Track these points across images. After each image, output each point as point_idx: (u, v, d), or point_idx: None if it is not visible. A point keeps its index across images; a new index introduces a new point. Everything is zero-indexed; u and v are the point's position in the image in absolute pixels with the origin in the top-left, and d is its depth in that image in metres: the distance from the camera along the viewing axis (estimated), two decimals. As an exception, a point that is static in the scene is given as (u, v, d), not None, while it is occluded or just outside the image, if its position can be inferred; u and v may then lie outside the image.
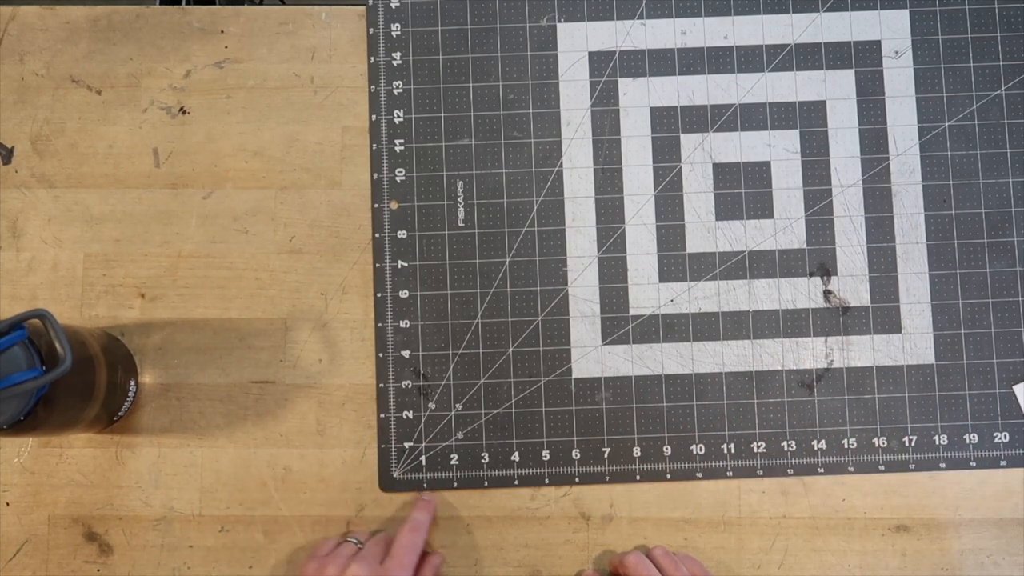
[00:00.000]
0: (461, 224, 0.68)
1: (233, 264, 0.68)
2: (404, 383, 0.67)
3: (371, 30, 0.69)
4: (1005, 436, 0.66)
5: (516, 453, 0.66)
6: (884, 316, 0.67)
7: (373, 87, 0.69)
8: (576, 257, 0.68)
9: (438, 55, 0.69)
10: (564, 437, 0.66)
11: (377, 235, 0.68)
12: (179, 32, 0.69)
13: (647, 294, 0.67)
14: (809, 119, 0.68)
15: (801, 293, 0.67)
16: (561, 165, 0.68)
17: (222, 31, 0.69)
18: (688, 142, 0.68)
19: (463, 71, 0.69)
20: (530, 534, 0.65)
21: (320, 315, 0.67)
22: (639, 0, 0.69)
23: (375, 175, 0.68)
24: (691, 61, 0.69)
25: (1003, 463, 0.66)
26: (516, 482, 0.66)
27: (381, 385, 0.66)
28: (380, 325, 0.67)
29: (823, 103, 0.68)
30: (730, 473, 0.66)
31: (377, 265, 0.67)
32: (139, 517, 0.66)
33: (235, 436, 0.66)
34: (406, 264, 0.67)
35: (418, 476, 0.66)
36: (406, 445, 0.66)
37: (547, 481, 0.66)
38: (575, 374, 0.67)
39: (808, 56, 0.69)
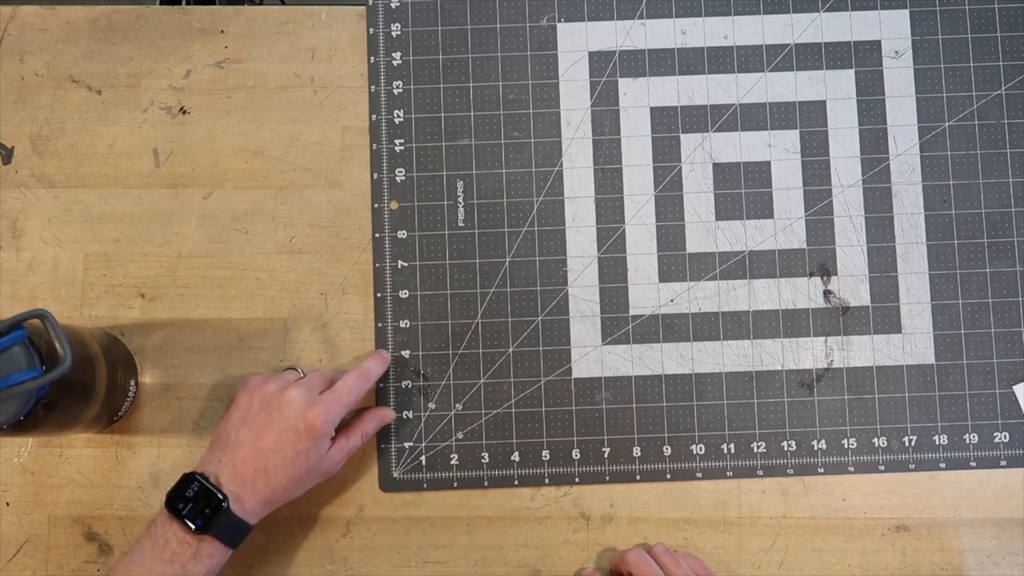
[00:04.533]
0: (461, 224, 0.68)
1: (233, 264, 0.68)
2: (404, 383, 0.67)
3: (371, 30, 0.69)
4: (1005, 436, 0.66)
5: (516, 453, 0.66)
6: (884, 316, 0.67)
7: (373, 87, 0.69)
8: (576, 257, 0.68)
9: (438, 55, 0.69)
10: (564, 437, 0.66)
11: (377, 235, 0.68)
12: (179, 32, 0.69)
13: (647, 294, 0.67)
14: (809, 119, 0.68)
15: (801, 293, 0.67)
16: (561, 165, 0.68)
17: (222, 31, 0.69)
18: (688, 142, 0.68)
19: (463, 71, 0.69)
20: (530, 534, 0.65)
21: (320, 315, 0.67)
22: (639, 0, 0.69)
23: (375, 175, 0.68)
24: (691, 61, 0.69)
25: (1003, 463, 0.66)
26: (516, 482, 0.66)
27: (381, 385, 0.66)
28: (380, 325, 0.67)
29: (823, 103, 0.68)
30: (730, 473, 0.66)
31: (377, 265, 0.67)
32: (139, 517, 0.66)
33: (235, 436, 0.66)
34: (406, 264, 0.67)
35: (418, 476, 0.66)
36: (406, 445, 0.66)
37: (547, 481, 0.66)
38: (575, 374, 0.67)
39: (808, 56, 0.69)
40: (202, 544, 0.55)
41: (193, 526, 0.54)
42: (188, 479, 0.56)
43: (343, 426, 0.61)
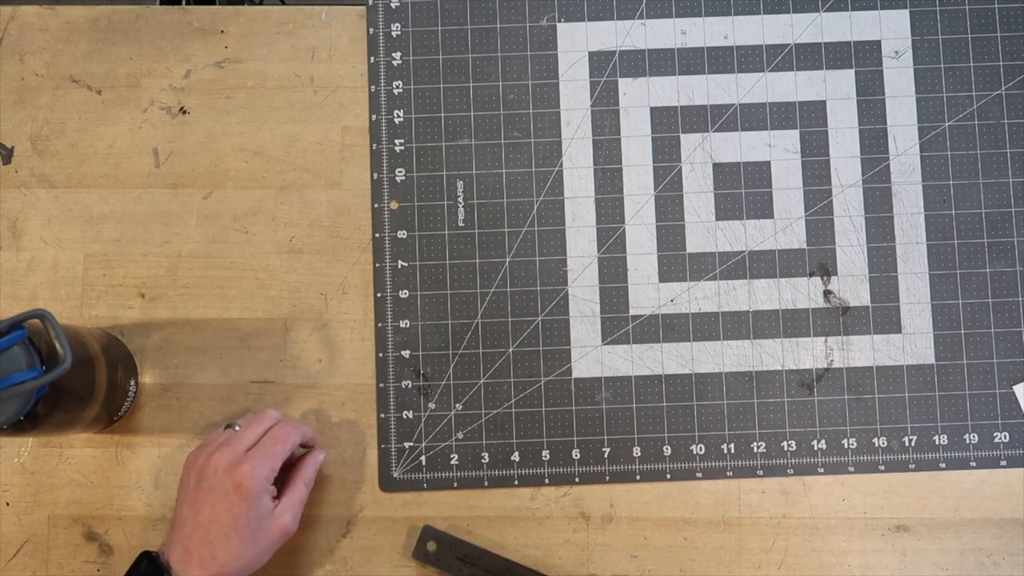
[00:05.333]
0: (461, 224, 0.68)
1: (233, 264, 0.68)
2: (404, 383, 0.67)
3: (371, 30, 0.69)
4: (1005, 436, 0.66)
5: (516, 453, 0.66)
6: (884, 316, 0.67)
7: (373, 87, 0.69)
8: (576, 257, 0.68)
9: (438, 55, 0.69)
10: (564, 437, 0.66)
11: (377, 235, 0.68)
12: (179, 32, 0.69)
13: (647, 294, 0.67)
14: (809, 119, 0.68)
15: (801, 293, 0.67)
16: (561, 165, 0.68)
17: (222, 31, 0.69)
18: (688, 142, 0.68)
19: (463, 71, 0.69)
20: (530, 534, 0.65)
21: (320, 315, 0.67)
22: (639, 0, 0.69)
23: (375, 175, 0.68)
24: (691, 61, 0.69)
25: (1003, 463, 0.66)
26: (516, 482, 0.66)
27: (381, 385, 0.66)
28: (380, 325, 0.67)
29: (823, 103, 0.68)
30: (730, 473, 0.66)
31: (377, 265, 0.67)
32: (139, 517, 0.65)
33: (235, 436, 0.66)
34: (406, 264, 0.67)
35: (418, 476, 0.66)
36: (406, 445, 0.66)
37: (547, 481, 0.66)
38: (575, 374, 0.67)
39: (808, 56, 0.69)
40: None
41: None
42: (141, 557, 0.56)
43: (285, 483, 0.60)
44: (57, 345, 0.52)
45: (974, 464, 0.66)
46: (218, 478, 0.56)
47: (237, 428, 0.61)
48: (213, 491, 0.56)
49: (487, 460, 0.66)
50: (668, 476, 0.66)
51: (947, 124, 0.68)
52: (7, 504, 0.66)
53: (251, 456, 0.57)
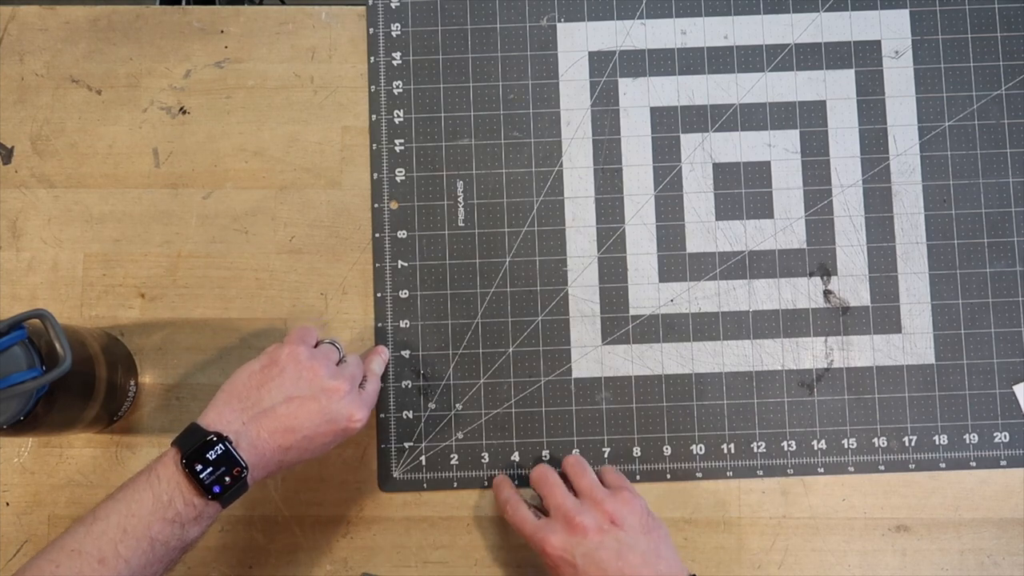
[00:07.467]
0: (461, 224, 0.68)
1: (233, 264, 0.68)
2: (404, 383, 0.67)
3: (371, 30, 0.69)
4: (1005, 436, 0.66)
5: (516, 453, 0.66)
6: (884, 316, 0.67)
7: (373, 87, 0.69)
8: (576, 257, 0.68)
9: (438, 55, 0.69)
10: (564, 437, 0.66)
11: (377, 235, 0.68)
12: (179, 32, 0.69)
13: (647, 294, 0.67)
14: (809, 119, 0.68)
15: (801, 293, 0.67)
16: (561, 165, 0.68)
17: (222, 31, 0.69)
18: (688, 142, 0.68)
19: (463, 71, 0.69)
20: (530, 534, 0.65)
21: (320, 315, 0.67)
22: (639, 0, 0.69)
23: (375, 175, 0.68)
24: (691, 61, 0.69)
25: (1003, 463, 0.66)
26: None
27: (382, 385, 0.66)
28: (380, 325, 0.67)
29: (823, 103, 0.68)
30: (730, 473, 0.66)
31: (377, 265, 0.67)
32: (139, 517, 0.65)
33: (235, 436, 0.66)
34: (406, 264, 0.67)
35: (418, 476, 0.66)
36: (406, 445, 0.66)
37: (547, 481, 0.66)
38: (575, 374, 0.67)
39: (808, 56, 0.69)
40: (207, 508, 0.52)
41: (209, 492, 0.51)
42: (207, 439, 0.51)
43: None
44: (57, 345, 0.52)
45: (974, 464, 0.66)
46: (339, 407, 0.55)
47: (341, 352, 0.59)
48: (326, 413, 0.55)
49: (487, 460, 0.66)
50: (668, 476, 0.66)
51: (947, 124, 0.68)
52: (7, 504, 0.66)
53: (367, 403, 0.58)
